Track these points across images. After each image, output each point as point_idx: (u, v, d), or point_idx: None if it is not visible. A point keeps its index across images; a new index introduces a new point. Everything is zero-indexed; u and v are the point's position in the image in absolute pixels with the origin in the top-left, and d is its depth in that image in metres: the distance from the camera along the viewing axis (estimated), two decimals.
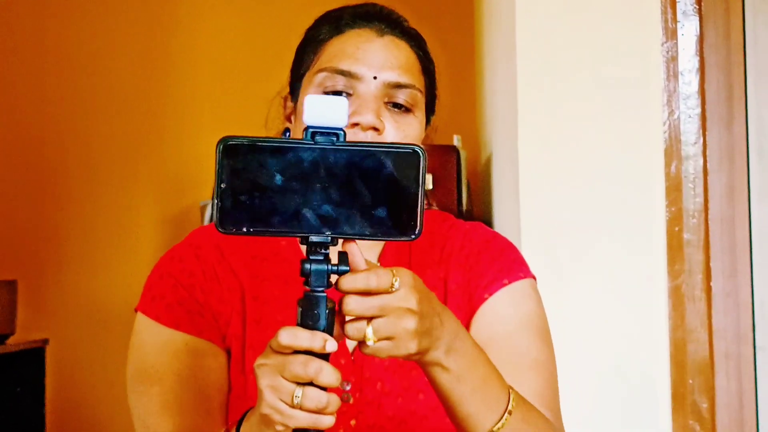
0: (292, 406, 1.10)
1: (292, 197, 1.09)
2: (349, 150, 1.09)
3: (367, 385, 1.50)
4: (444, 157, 3.65)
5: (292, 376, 1.10)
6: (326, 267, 1.11)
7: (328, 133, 1.10)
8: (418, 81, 1.52)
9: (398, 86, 1.48)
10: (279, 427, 1.12)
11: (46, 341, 3.94)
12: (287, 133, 1.54)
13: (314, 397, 1.10)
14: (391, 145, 1.11)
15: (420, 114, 1.52)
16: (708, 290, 2.76)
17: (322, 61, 1.50)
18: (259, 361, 1.13)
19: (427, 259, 1.58)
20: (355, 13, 1.54)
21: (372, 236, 1.11)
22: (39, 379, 3.97)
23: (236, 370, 1.50)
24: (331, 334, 1.11)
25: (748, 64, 2.80)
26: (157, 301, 1.51)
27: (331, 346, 1.10)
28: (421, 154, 1.10)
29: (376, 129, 1.44)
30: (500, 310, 1.46)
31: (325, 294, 1.11)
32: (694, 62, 2.76)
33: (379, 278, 1.12)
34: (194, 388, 1.46)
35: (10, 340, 3.80)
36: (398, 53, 1.50)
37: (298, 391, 1.10)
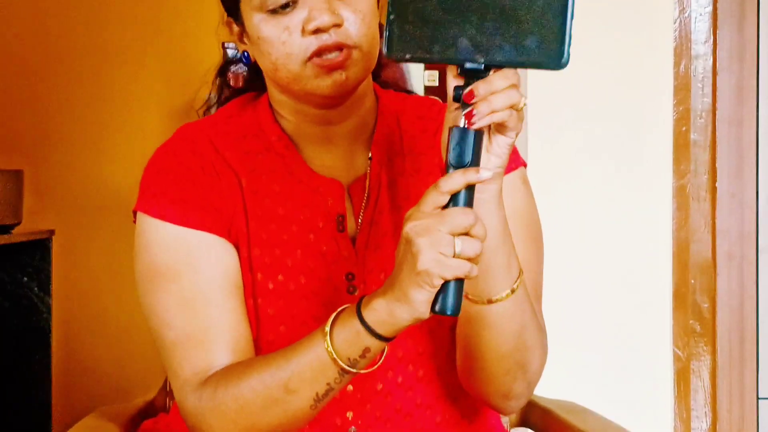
0: (453, 256, 1.18)
1: (451, 27, 1.19)
2: None
3: (371, 276, 1.50)
4: None
5: (452, 229, 1.18)
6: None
7: None
8: None
9: None
10: (436, 281, 1.19)
11: (52, 232, 3.95)
12: (245, 54, 1.53)
13: (472, 244, 1.18)
14: None
15: None
16: (713, 190, 2.76)
17: None
18: (411, 223, 1.20)
19: (420, 144, 1.57)
20: None
21: (522, 64, 1.18)
22: (45, 268, 3.99)
23: (244, 269, 1.48)
24: (478, 164, 1.21)
25: None
26: (159, 198, 1.48)
27: (485, 173, 1.20)
28: None
29: (337, 25, 1.42)
30: None
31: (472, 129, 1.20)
32: None
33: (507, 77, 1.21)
34: (214, 283, 1.45)
35: (16, 230, 3.81)
36: None
37: (458, 240, 1.17)
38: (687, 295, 2.75)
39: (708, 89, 2.74)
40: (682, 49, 2.72)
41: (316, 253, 1.49)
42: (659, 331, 2.76)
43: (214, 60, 1.73)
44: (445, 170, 1.21)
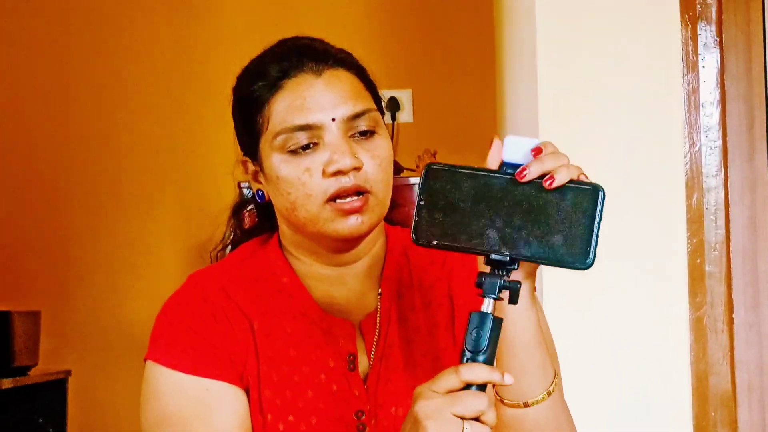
0: None
1: (479, 219, 1.21)
2: (536, 183, 1.21)
3: (382, 411, 1.50)
4: None
5: (463, 412, 1.16)
6: (499, 281, 1.22)
7: (518, 167, 1.22)
8: (368, 101, 1.52)
9: (356, 116, 1.48)
10: None
11: (68, 372, 3.95)
12: (260, 193, 1.55)
13: (481, 430, 1.17)
14: (575, 182, 1.21)
15: (382, 130, 1.52)
16: (730, 322, 2.75)
17: (273, 123, 1.48)
18: (421, 402, 1.18)
19: (428, 276, 1.58)
20: (282, 62, 1.50)
21: (546, 261, 1.20)
22: (61, 409, 3.98)
23: (255, 410, 1.48)
24: (494, 351, 1.20)
25: None
26: (171, 347, 1.48)
27: (509, 379, 1.20)
28: (600, 193, 1.20)
29: (356, 168, 1.45)
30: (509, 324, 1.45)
31: (492, 313, 1.21)
32: (716, 94, 2.77)
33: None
34: None
35: (33, 371, 3.81)
36: (342, 85, 1.49)
37: (467, 425, 1.16)
38: (708, 428, 2.72)
39: (721, 221, 2.75)
40: (694, 183, 2.75)
41: (327, 393, 1.49)
42: None
43: (231, 199, 1.75)
44: (460, 352, 1.21)
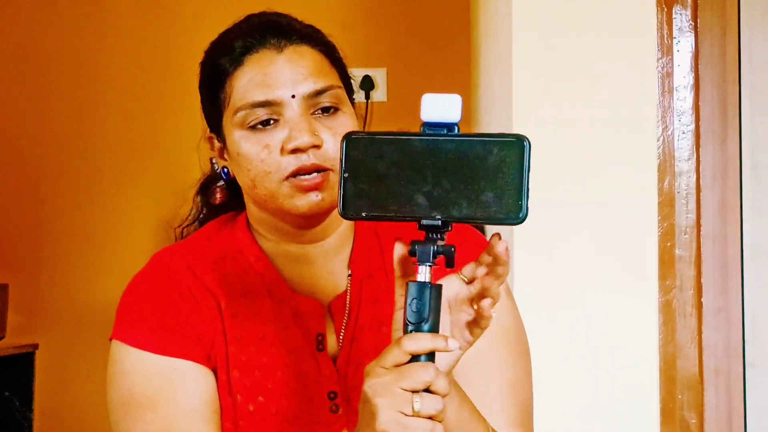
0: (413, 415, 1.14)
1: (406, 185, 1.18)
2: (457, 140, 1.18)
3: (354, 393, 1.49)
4: None
5: (411, 385, 1.15)
6: (433, 246, 1.19)
7: (440, 126, 1.19)
8: (333, 77, 1.50)
9: (317, 93, 1.47)
10: None
11: (36, 346, 3.93)
12: (225, 170, 1.54)
13: (432, 401, 1.15)
14: (498, 135, 1.18)
15: (347, 107, 1.51)
16: (699, 306, 2.76)
17: (235, 98, 1.47)
18: (370, 381, 1.17)
19: None
20: (246, 38, 1.49)
21: (479, 219, 1.18)
22: (28, 383, 3.96)
23: (224, 391, 1.48)
24: (437, 318, 1.18)
25: (743, 80, 2.81)
26: (137, 327, 1.47)
27: (453, 344, 1.17)
28: (526, 143, 1.16)
29: (316, 146, 1.44)
30: None
31: (430, 281, 1.19)
32: (689, 78, 2.77)
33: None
34: (192, 411, 1.44)
35: (0, 344, 3.79)
36: (304, 61, 1.48)
37: (417, 398, 1.14)
38: (675, 411, 2.74)
39: (692, 205, 2.76)
40: (666, 166, 2.75)
41: (297, 373, 1.48)
42: None
43: (198, 176, 1.74)
44: (403, 326, 1.19)
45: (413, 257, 1.19)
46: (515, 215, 1.16)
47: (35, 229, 4.52)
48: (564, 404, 2.70)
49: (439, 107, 1.19)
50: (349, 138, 1.21)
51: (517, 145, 1.16)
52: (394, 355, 1.17)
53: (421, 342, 1.16)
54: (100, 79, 4.66)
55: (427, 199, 1.18)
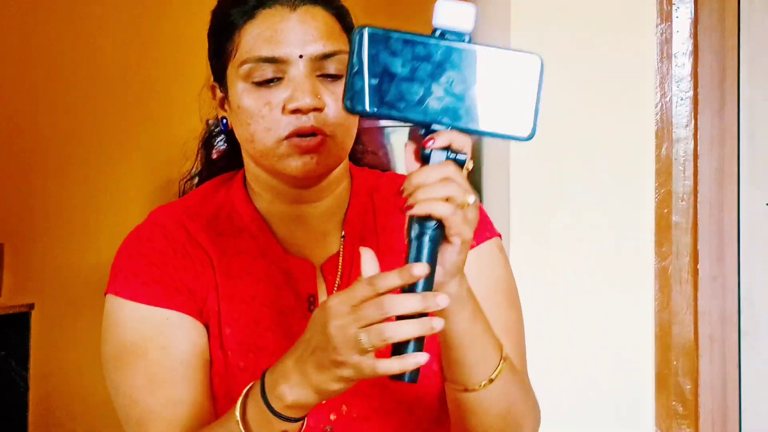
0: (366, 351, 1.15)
1: (418, 87, 1.16)
2: (475, 50, 1.17)
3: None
4: None
5: (366, 322, 1.14)
6: (447, 153, 1.18)
7: (452, 34, 1.17)
8: (342, 42, 1.49)
9: (325, 57, 1.45)
10: (346, 372, 1.17)
11: (31, 306, 3.93)
12: (224, 121, 1.54)
13: (378, 333, 1.14)
14: (515, 49, 1.18)
15: None
16: (695, 273, 2.76)
17: (242, 51, 1.46)
18: (335, 322, 1.16)
19: (393, 222, 1.57)
20: None
21: (488, 132, 1.17)
22: (24, 343, 3.97)
23: (215, 346, 1.48)
24: (435, 255, 1.17)
25: (741, 48, 2.80)
26: (131, 280, 1.48)
27: (420, 270, 1.15)
28: (540, 61, 1.17)
29: (317, 109, 1.43)
30: (468, 276, 1.41)
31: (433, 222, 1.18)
32: (688, 45, 2.76)
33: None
34: (181, 360, 1.45)
35: None
36: (316, 23, 1.46)
37: (363, 333, 1.14)
38: (669, 377, 2.74)
39: (689, 172, 2.75)
40: (664, 133, 2.75)
41: (288, 334, 1.48)
42: (642, 413, 2.74)
43: (197, 133, 1.73)
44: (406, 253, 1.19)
45: (424, 163, 1.19)
46: (523, 131, 1.17)
47: (30, 190, 4.51)
48: (558, 368, 2.71)
49: (454, 14, 1.17)
50: (363, 30, 1.18)
51: (534, 61, 1.17)
52: (362, 291, 1.16)
53: (383, 281, 1.16)
54: (94, 38, 4.64)
55: (439, 105, 1.17)
